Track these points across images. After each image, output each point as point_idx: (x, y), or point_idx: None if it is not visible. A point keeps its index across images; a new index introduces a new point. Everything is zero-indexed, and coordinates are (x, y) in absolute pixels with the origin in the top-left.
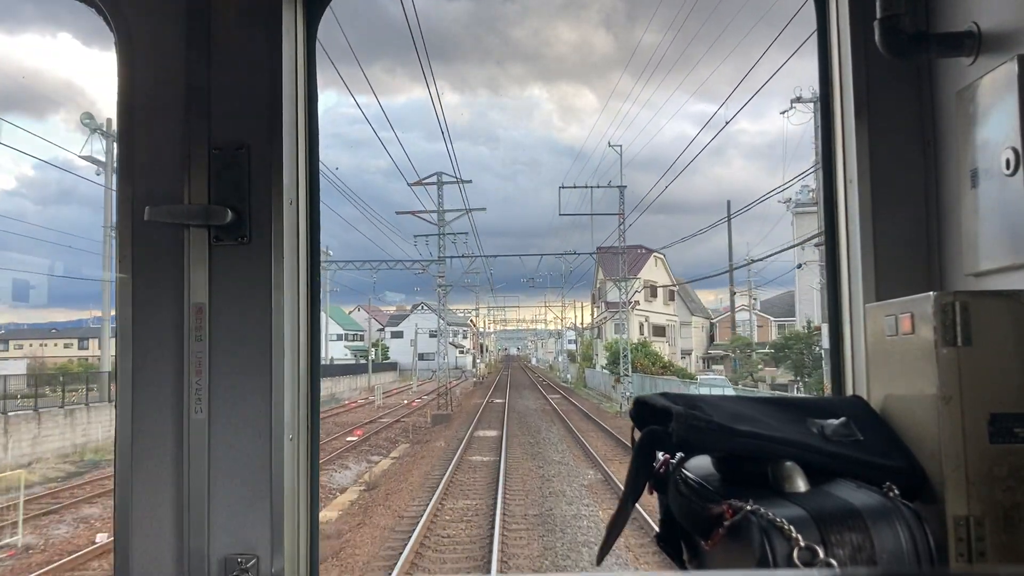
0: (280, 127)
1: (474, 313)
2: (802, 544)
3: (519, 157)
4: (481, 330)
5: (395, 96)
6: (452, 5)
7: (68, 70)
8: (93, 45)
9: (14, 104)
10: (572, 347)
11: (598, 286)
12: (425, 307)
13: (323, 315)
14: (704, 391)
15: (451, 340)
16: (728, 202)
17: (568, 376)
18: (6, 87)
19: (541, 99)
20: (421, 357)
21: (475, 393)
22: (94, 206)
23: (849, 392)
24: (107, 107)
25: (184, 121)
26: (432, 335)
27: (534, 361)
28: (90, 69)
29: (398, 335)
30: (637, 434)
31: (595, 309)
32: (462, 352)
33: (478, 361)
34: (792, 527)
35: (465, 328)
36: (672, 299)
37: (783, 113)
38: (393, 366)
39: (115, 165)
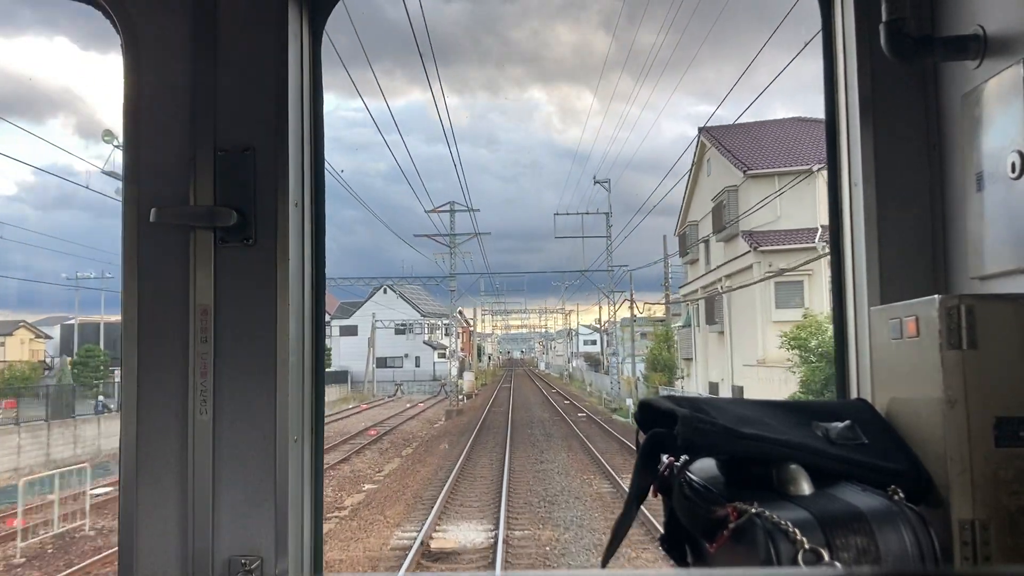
0: (286, 129)
1: (458, 311)
2: (807, 547)
3: (520, 159)
4: (475, 330)
5: (394, 99)
6: (450, 6)
7: (73, 73)
8: (91, 49)
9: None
10: (591, 349)
11: (716, 209)
12: (389, 289)
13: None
14: None
15: (426, 339)
16: None
17: (626, 400)
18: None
19: (541, 101)
20: (381, 363)
21: (427, 460)
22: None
23: (854, 395)
24: (104, 110)
25: (190, 123)
26: (399, 331)
27: (543, 366)
28: (92, 72)
29: (350, 331)
30: (642, 437)
31: (684, 271)
32: (442, 356)
33: (465, 371)
34: (797, 530)
35: (448, 322)
36: None
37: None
38: (341, 376)
39: (121, 167)
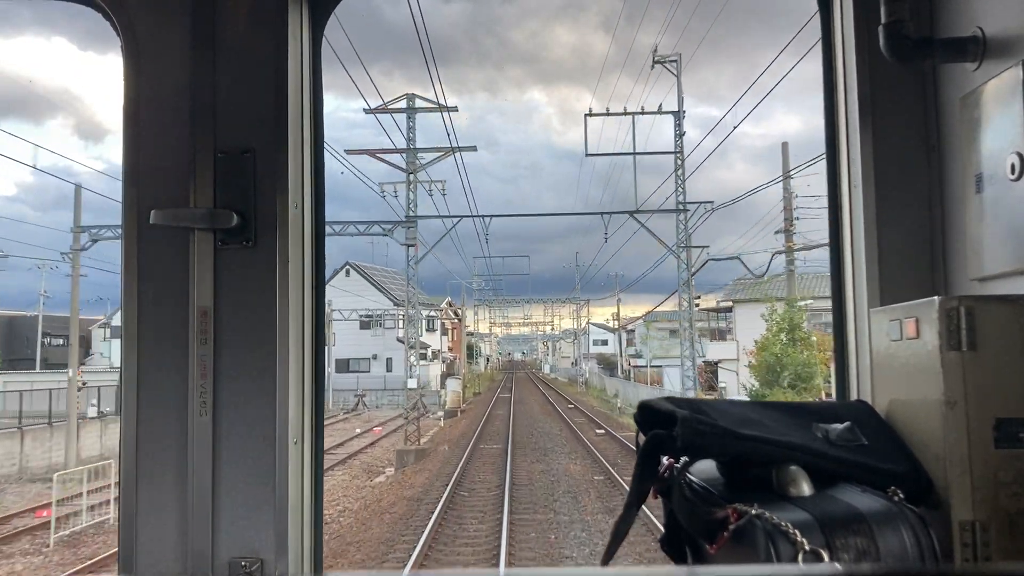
0: (285, 131)
1: (446, 302)
2: (807, 548)
3: (519, 161)
4: (468, 326)
5: (393, 100)
6: (449, 7)
7: (72, 74)
8: (90, 49)
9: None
10: (602, 350)
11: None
12: (353, 270)
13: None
14: None
15: (399, 335)
16: None
17: None
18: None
19: (540, 102)
20: (342, 366)
21: None
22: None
23: (854, 396)
24: (103, 111)
25: (190, 125)
26: (365, 324)
27: (547, 369)
28: (91, 73)
29: None
30: (641, 438)
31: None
32: (423, 357)
33: (450, 378)
34: (797, 531)
35: (433, 315)
36: None
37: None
38: None
39: (121, 169)
